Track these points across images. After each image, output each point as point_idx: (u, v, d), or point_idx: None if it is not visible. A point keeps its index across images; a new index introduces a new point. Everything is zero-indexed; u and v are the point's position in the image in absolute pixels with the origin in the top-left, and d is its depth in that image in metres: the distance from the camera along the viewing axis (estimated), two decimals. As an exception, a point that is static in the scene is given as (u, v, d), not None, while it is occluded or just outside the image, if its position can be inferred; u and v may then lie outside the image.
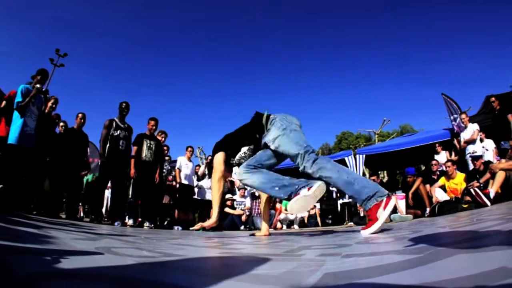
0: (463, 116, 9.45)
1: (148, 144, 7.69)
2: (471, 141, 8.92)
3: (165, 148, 9.16)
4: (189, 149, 10.17)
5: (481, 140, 9.03)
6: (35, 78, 5.96)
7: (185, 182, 9.39)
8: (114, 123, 7.31)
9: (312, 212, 11.54)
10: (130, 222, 7.33)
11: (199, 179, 10.22)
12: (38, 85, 5.83)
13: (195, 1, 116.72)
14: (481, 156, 7.80)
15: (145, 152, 7.60)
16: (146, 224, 7.20)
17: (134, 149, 7.52)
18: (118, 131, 7.29)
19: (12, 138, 5.47)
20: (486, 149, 8.83)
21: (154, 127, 7.96)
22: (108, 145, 7.17)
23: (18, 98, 5.60)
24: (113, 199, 7.39)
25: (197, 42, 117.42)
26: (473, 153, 8.60)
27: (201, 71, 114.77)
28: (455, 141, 9.71)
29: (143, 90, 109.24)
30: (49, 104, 6.82)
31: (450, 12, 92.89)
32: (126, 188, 8.04)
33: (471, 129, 9.01)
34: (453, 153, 9.77)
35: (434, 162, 9.61)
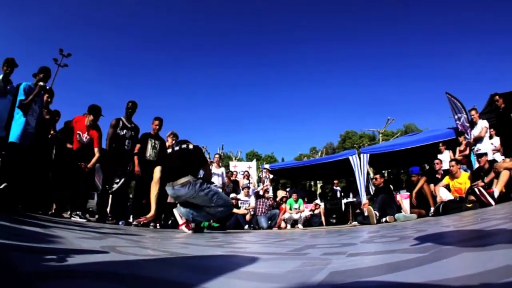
0: (473, 112, 9.34)
1: (153, 144, 7.67)
2: (479, 139, 8.86)
3: (170, 150, 9.14)
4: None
5: (491, 137, 8.96)
6: (37, 76, 5.91)
7: None
8: (120, 123, 7.27)
9: (316, 211, 11.54)
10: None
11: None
12: (41, 83, 5.78)
13: None
14: (485, 154, 7.75)
15: (149, 152, 7.58)
16: (152, 223, 7.19)
17: (137, 146, 7.49)
18: (124, 131, 7.23)
19: (14, 136, 5.41)
20: (495, 146, 8.77)
21: (158, 127, 7.94)
22: (114, 144, 7.14)
23: (21, 96, 5.53)
24: (117, 198, 7.36)
25: (203, 40, 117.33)
26: (477, 151, 8.56)
27: (205, 69, 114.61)
28: (461, 139, 9.63)
29: (148, 88, 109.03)
30: (45, 98, 6.70)
31: (456, 10, 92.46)
32: (128, 187, 7.99)
33: (480, 126, 8.92)
34: (457, 152, 9.71)
35: (436, 161, 9.57)
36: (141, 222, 5.03)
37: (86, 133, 6.68)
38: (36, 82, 5.81)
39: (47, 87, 6.04)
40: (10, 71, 5.68)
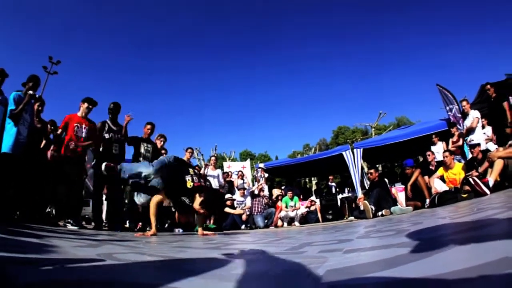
0: (464, 103, 9.41)
1: (146, 148, 7.63)
2: (471, 129, 8.91)
3: (163, 151, 9.10)
4: (189, 150, 10.01)
5: (483, 127, 9.02)
6: (26, 85, 5.87)
7: None
8: (106, 126, 7.14)
9: (312, 208, 11.55)
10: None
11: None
12: (31, 92, 5.74)
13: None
14: (478, 144, 7.80)
15: (142, 156, 7.54)
16: (148, 228, 7.17)
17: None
18: (110, 134, 7.11)
19: (6, 147, 5.37)
20: (487, 135, 8.83)
21: (150, 131, 7.90)
22: (101, 149, 7.03)
23: (11, 106, 5.50)
24: (111, 204, 7.30)
25: (192, 41, 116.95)
26: (470, 141, 8.62)
27: (195, 71, 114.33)
28: (453, 130, 9.68)
29: (138, 92, 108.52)
30: (35, 107, 6.61)
31: (445, 2, 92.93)
32: (122, 192, 7.90)
33: (471, 117, 8.98)
34: (450, 143, 9.76)
35: (428, 153, 9.63)
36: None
37: (84, 124, 6.63)
38: (26, 91, 5.77)
39: (37, 96, 6.00)
40: (0, 81, 5.63)
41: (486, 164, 6.51)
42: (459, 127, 9.59)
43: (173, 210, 9.60)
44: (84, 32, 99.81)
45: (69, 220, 6.24)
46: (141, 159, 7.47)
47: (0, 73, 5.63)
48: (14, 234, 2.86)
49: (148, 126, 7.89)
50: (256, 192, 11.80)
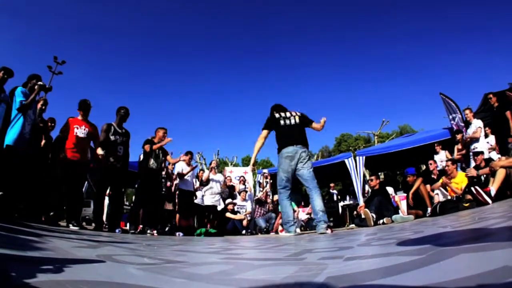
0: (467, 111, 9.39)
1: (156, 153, 7.66)
2: (474, 139, 8.88)
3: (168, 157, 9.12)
4: (188, 154, 10.14)
5: (486, 136, 9.00)
6: (28, 83, 5.89)
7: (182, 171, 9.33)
8: (112, 128, 7.16)
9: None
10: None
11: (202, 184, 10.19)
12: (40, 82, 5.78)
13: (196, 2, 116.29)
14: (482, 152, 7.77)
15: (152, 160, 7.56)
16: (149, 231, 7.17)
17: (146, 147, 7.56)
18: (116, 136, 7.14)
19: (9, 140, 5.39)
20: (490, 144, 8.81)
21: (163, 137, 7.95)
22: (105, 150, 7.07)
23: (20, 98, 5.53)
24: (111, 206, 7.30)
25: (196, 45, 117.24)
26: (473, 149, 8.60)
27: (198, 74, 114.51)
28: (458, 137, 9.65)
29: (142, 94, 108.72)
30: (39, 106, 6.59)
31: (447, 9, 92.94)
32: (123, 194, 7.94)
33: (474, 126, 8.95)
34: (455, 150, 9.72)
35: (430, 161, 9.59)
36: None
37: (84, 125, 6.80)
38: (32, 86, 5.81)
39: (47, 86, 6.05)
40: (5, 79, 5.65)
41: (486, 169, 6.50)
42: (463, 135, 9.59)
43: (175, 213, 9.63)
44: (86, 32, 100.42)
45: (73, 222, 6.25)
46: (150, 163, 7.51)
47: (6, 70, 5.67)
48: (14, 233, 2.86)
49: (162, 131, 7.93)
50: (263, 199, 11.65)
